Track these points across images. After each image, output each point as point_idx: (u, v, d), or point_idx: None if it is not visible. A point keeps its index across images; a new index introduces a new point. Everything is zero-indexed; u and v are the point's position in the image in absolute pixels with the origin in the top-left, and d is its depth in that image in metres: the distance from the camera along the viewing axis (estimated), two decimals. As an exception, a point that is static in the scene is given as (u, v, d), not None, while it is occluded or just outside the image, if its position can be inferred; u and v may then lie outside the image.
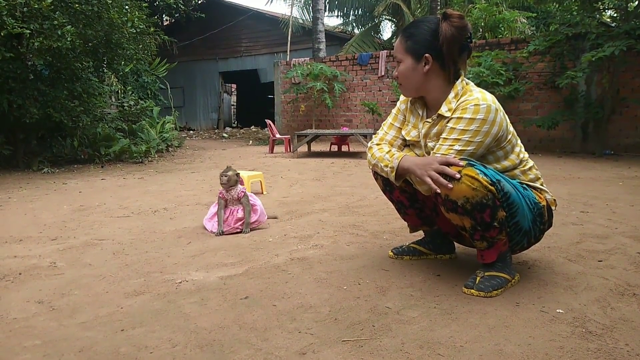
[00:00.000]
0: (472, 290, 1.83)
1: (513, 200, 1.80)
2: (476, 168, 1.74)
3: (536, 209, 1.90)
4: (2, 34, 5.84)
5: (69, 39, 6.27)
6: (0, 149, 7.08)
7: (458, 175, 1.72)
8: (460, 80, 1.92)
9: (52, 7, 6.32)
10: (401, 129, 2.13)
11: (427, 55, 1.88)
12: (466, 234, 1.88)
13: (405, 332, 1.54)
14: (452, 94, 1.90)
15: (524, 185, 1.92)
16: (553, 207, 2.02)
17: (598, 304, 1.75)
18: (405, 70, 1.95)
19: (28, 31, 6.19)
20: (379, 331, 1.55)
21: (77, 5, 6.55)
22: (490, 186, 1.72)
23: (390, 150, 2.03)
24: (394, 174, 1.96)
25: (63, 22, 6.27)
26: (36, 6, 6.18)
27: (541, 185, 2.00)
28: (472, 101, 1.81)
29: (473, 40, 1.91)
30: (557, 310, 1.69)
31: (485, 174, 1.74)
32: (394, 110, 2.18)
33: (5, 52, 6.26)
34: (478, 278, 1.87)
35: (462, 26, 1.83)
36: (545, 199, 1.97)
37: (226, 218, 2.97)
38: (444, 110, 1.90)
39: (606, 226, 2.96)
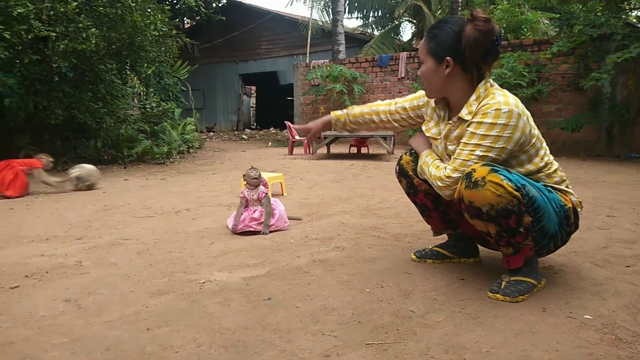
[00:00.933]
0: (498, 295, 1.81)
1: (539, 205, 1.77)
2: (500, 174, 1.71)
3: (562, 211, 1.86)
4: (29, 37, 5.97)
5: (93, 41, 6.38)
6: (26, 149, 7.23)
7: None
8: (483, 82, 1.86)
9: (77, 10, 6.44)
10: (410, 110, 2.22)
11: (448, 58, 1.84)
12: (491, 240, 1.86)
13: (430, 337, 1.52)
14: (473, 97, 1.85)
15: (549, 188, 1.88)
16: (579, 209, 1.97)
17: (627, 310, 1.71)
18: (427, 71, 1.93)
19: (54, 34, 6.31)
20: (403, 335, 1.54)
21: (101, 8, 6.66)
22: (515, 192, 1.69)
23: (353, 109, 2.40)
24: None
25: (88, 25, 6.38)
26: (62, 9, 6.31)
27: (566, 187, 1.95)
28: (494, 105, 1.75)
29: (501, 43, 1.86)
30: (585, 316, 1.66)
31: (510, 180, 1.70)
32: (423, 94, 2.13)
33: (32, 54, 6.40)
34: (504, 283, 1.85)
35: (486, 30, 1.76)
36: (571, 201, 1.92)
37: (244, 218, 3.01)
38: (464, 113, 1.86)
39: (633, 231, 2.90)
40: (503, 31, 11.34)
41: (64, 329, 1.64)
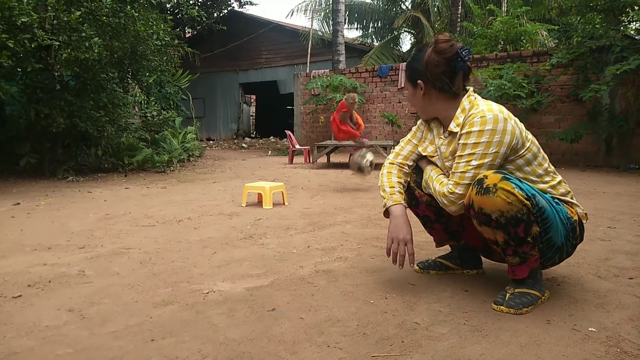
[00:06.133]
0: (502, 307, 1.81)
1: (547, 216, 1.78)
2: (512, 182, 1.73)
3: (569, 223, 1.88)
4: (32, 45, 6.00)
5: (96, 50, 6.41)
6: (27, 157, 7.23)
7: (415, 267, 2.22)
8: (466, 96, 1.94)
9: (81, 19, 6.47)
10: (418, 145, 2.18)
11: (419, 81, 1.98)
12: (497, 249, 1.86)
13: (436, 349, 1.52)
14: (458, 110, 1.94)
15: (557, 200, 1.90)
16: (584, 221, 1.99)
17: (632, 322, 1.71)
18: (409, 96, 2.11)
19: (57, 43, 6.34)
20: (408, 347, 1.54)
21: (104, 17, 6.70)
22: (525, 200, 1.71)
23: (393, 186, 2.10)
24: (383, 210, 2.11)
25: (91, 34, 6.41)
26: (65, 19, 6.35)
27: (571, 199, 1.97)
28: (478, 114, 1.82)
29: (470, 57, 1.93)
30: (590, 329, 1.66)
31: (521, 188, 1.73)
32: (414, 128, 2.25)
33: (35, 63, 6.42)
34: (508, 294, 1.85)
35: (442, 50, 1.88)
36: (577, 213, 1.94)
37: None
38: (452, 126, 1.94)
39: (635, 242, 2.91)
40: (502, 42, 11.38)
41: (68, 340, 1.63)
